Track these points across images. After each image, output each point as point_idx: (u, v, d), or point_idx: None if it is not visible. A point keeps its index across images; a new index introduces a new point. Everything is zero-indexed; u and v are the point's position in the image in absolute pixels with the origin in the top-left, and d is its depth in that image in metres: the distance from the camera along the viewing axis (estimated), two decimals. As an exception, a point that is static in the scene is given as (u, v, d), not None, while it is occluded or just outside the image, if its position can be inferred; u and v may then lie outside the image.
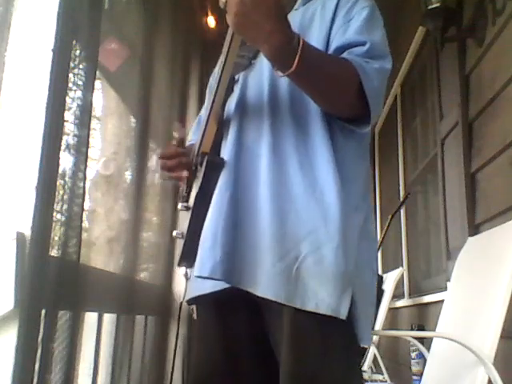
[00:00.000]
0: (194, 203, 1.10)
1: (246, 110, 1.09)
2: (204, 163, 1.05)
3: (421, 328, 2.70)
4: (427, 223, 3.34)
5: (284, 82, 1.03)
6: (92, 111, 1.42)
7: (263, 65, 1.11)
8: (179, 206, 1.20)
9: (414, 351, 2.58)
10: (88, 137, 1.37)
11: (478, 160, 2.19)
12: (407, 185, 3.75)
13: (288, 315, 0.95)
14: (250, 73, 1.14)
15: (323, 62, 0.96)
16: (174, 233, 1.19)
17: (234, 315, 1.07)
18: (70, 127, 1.27)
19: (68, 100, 1.27)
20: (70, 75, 1.28)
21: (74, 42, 1.29)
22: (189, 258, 1.11)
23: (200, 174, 1.08)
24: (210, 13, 3.28)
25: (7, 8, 1.18)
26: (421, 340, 2.28)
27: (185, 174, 1.18)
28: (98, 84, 1.59)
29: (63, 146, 1.25)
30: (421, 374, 2.16)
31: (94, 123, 1.46)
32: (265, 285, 0.95)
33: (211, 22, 3.28)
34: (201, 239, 1.01)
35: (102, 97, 2.04)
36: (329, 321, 0.92)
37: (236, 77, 1.15)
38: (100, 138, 2.05)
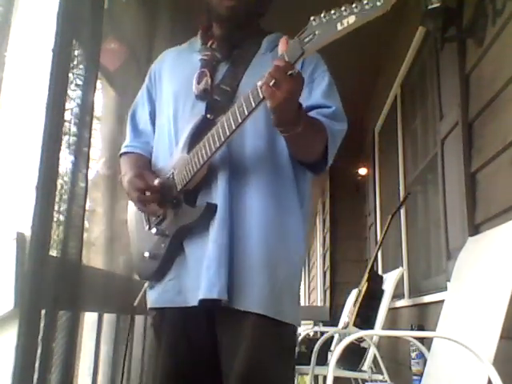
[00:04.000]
0: (175, 234, 1.24)
1: (232, 157, 1.24)
2: (203, 208, 1.20)
3: (421, 328, 2.70)
4: (427, 223, 3.34)
5: (262, 135, 1.24)
6: (92, 111, 1.42)
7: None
8: (154, 230, 1.28)
9: (414, 351, 2.58)
10: (89, 137, 1.38)
11: (478, 160, 2.19)
12: (407, 185, 3.75)
13: (250, 322, 1.15)
14: None
15: (313, 124, 1.18)
16: (146, 254, 1.29)
17: (198, 327, 1.23)
18: (70, 127, 1.27)
19: (68, 100, 1.27)
20: (70, 75, 1.28)
21: (74, 42, 1.30)
22: (158, 276, 1.29)
23: (190, 213, 1.22)
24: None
25: (8, 8, 1.18)
26: (421, 340, 2.28)
27: (159, 212, 1.28)
28: (98, 84, 1.58)
29: (63, 146, 1.25)
30: (421, 374, 2.16)
31: (93, 123, 1.46)
32: (258, 304, 1.17)
33: (211, 21, 3.27)
34: (204, 266, 1.17)
35: (102, 97, 2.05)
36: (285, 326, 1.19)
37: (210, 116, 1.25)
38: (100, 138, 2.05)
